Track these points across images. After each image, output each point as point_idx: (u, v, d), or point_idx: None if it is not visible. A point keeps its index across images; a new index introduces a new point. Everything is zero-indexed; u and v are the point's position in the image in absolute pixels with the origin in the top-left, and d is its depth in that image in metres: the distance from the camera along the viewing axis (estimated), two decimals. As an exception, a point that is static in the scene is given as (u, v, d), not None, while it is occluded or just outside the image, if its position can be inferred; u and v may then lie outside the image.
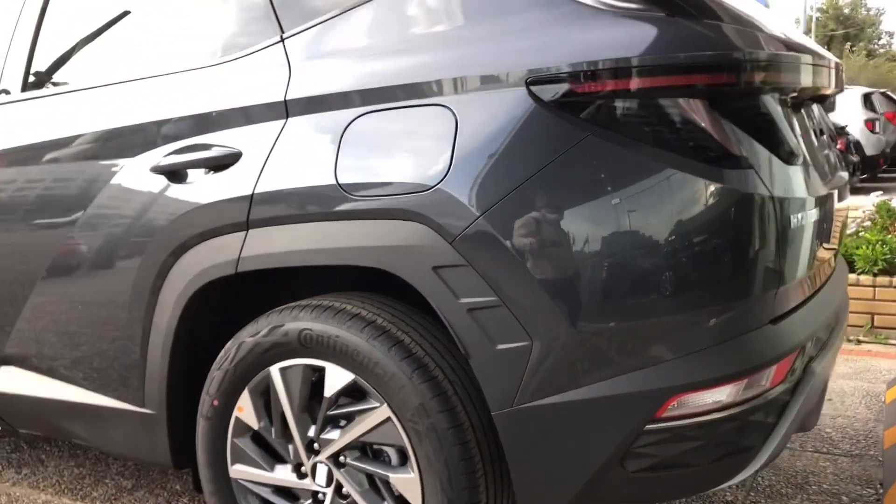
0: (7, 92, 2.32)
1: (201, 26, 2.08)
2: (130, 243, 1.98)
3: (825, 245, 1.97)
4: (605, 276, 1.53)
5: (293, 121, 1.79)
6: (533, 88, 1.57)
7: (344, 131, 1.71)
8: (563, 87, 1.55)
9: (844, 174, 2.26)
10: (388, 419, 1.70)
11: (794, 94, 1.83)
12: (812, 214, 1.78)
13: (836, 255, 2.25)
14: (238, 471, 1.93)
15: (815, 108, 2.12)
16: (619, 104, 1.55)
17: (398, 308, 1.76)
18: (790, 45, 1.77)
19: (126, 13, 2.22)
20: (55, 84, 2.29)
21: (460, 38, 1.69)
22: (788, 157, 1.68)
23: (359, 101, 1.71)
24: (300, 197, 1.74)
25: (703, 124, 1.55)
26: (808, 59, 1.82)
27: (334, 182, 1.69)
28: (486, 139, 1.58)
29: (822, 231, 1.90)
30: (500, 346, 1.58)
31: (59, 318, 2.15)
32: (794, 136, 1.76)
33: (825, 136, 2.21)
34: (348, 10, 1.81)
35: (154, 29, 2.15)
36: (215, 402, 1.90)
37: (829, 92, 2.07)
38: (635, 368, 1.56)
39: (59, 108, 2.21)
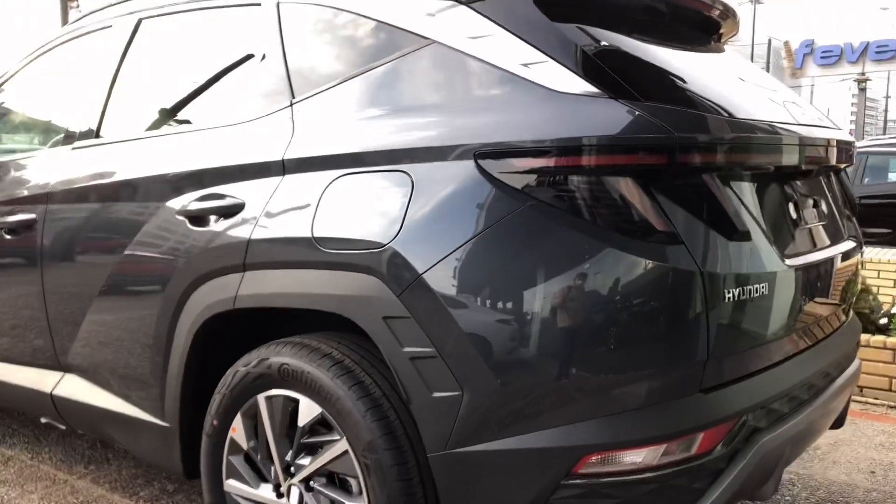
0: (87, 136, 2.70)
1: (231, 89, 2.36)
2: (160, 276, 2.27)
3: (808, 310, 2.00)
4: (530, 336, 1.65)
5: (288, 177, 2.02)
6: (480, 161, 1.72)
7: (324, 190, 1.92)
8: (506, 162, 1.70)
9: (849, 238, 2.27)
10: (346, 452, 1.88)
11: (762, 173, 1.89)
12: (774, 285, 1.82)
13: (842, 314, 2.26)
14: (231, 485, 2.16)
15: (814, 178, 2.15)
16: (556, 180, 1.68)
17: (367, 350, 1.94)
18: (755, 128, 1.84)
19: (174, 75, 2.55)
20: (109, 135, 2.65)
21: (425, 112, 1.88)
22: (735, 233, 1.74)
23: (339, 163, 1.93)
24: (284, 246, 1.97)
25: (633, 201, 1.65)
26: (777, 139, 1.88)
27: (310, 235, 1.90)
28: (435, 204, 1.75)
29: (801, 297, 1.93)
30: (436, 394, 1.73)
31: (106, 336, 2.48)
32: (751, 212, 1.82)
33: (825, 205, 2.23)
34: (340, 82, 2.04)
35: (192, 90, 2.46)
36: (215, 422, 2.15)
37: (827, 166, 2.11)
38: (556, 425, 1.67)
39: (118, 154, 2.55)
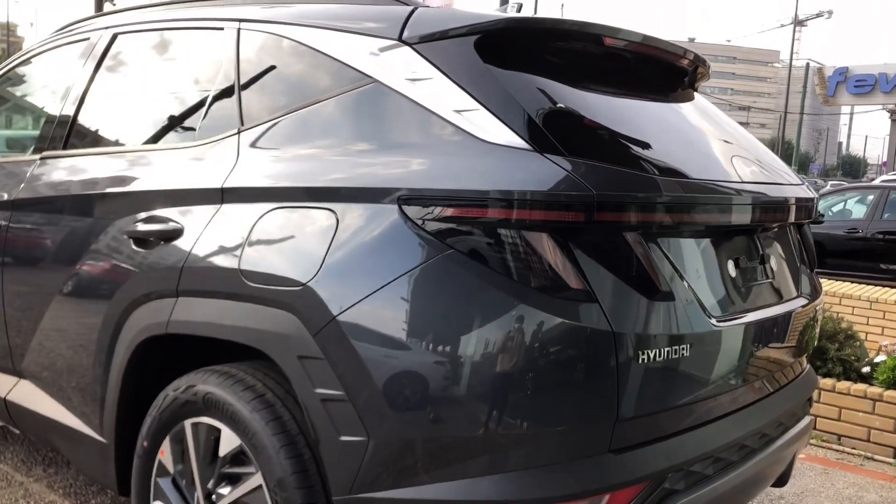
0: (55, 147, 2.73)
1: (187, 110, 2.38)
2: (104, 293, 2.29)
3: (742, 369, 1.97)
4: (437, 387, 1.64)
5: (225, 206, 2.02)
6: (403, 207, 1.72)
7: (255, 223, 1.92)
8: (427, 210, 1.69)
9: (802, 295, 2.25)
10: (260, 486, 1.88)
11: (696, 231, 1.86)
12: (699, 346, 1.80)
13: (789, 370, 2.23)
14: (157, 507, 2.17)
15: (764, 235, 2.13)
16: (473, 231, 1.66)
17: (291, 386, 1.94)
18: (687, 186, 1.81)
19: (138, 91, 2.57)
20: (76, 146, 2.68)
21: (358, 151, 1.88)
22: (656, 293, 1.72)
23: (271, 196, 1.93)
24: (214, 276, 1.97)
25: (548, 258, 1.63)
26: (712, 198, 1.86)
27: (238, 267, 1.90)
28: (355, 246, 1.75)
29: (732, 357, 1.91)
30: (343, 438, 1.73)
31: (55, 346, 2.50)
32: (678, 271, 1.79)
33: (774, 261, 2.20)
34: (285, 114, 2.04)
35: (152, 108, 2.49)
36: (145, 444, 2.16)
37: (780, 223, 2.10)
38: (459, 478, 1.65)
39: (80, 168, 2.58)
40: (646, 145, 1.87)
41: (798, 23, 52.42)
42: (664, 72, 2.29)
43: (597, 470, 1.67)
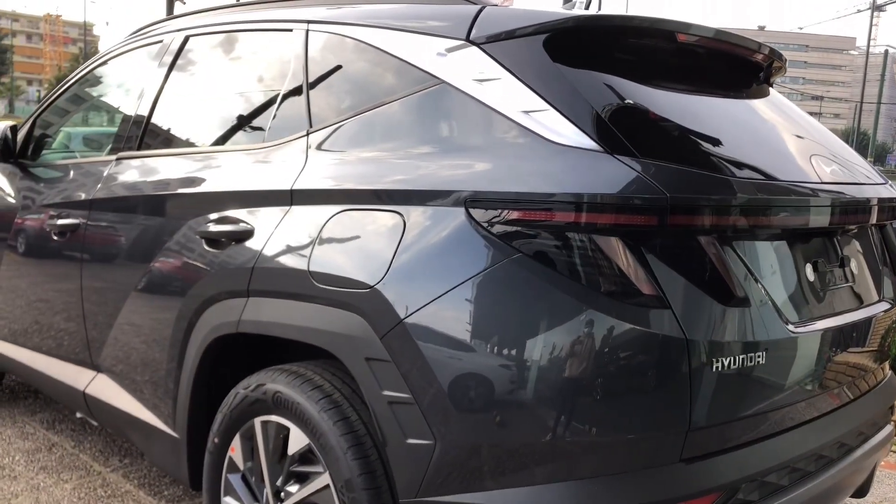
0: (131, 148, 2.80)
1: (257, 111, 2.41)
2: (178, 291, 2.34)
3: (819, 377, 1.91)
4: (504, 392, 1.63)
5: (295, 208, 2.04)
6: (470, 209, 1.70)
7: (324, 224, 1.94)
8: (495, 213, 1.67)
9: (885, 299, 2.16)
10: (328, 486, 1.90)
11: (773, 234, 1.80)
12: (775, 353, 1.74)
13: (870, 378, 2.15)
14: (227, 502, 2.21)
15: (843, 237, 2.05)
16: (541, 234, 1.64)
17: (357, 386, 1.95)
18: (763, 187, 1.76)
19: (210, 93, 2.62)
20: (150, 147, 2.74)
21: (426, 153, 1.87)
22: (731, 299, 1.67)
23: (340, 198, 1.94)
24: (283, 276, 1.99)
25: (619, 263, 1.60)
26: (790, 200, 1.80)
27: (306, 269, 1.92)
28: (423, 249, 1.74)
29: (809, 364, 1.85)
30: (410, 441, 1.73)
31: (131, 341, 2.57)
32: (755, 275, 1.74)
33: (855, 265, 2.12)
34: (352, 115, 2.05)
35: (224, 110, 2.53)
36: (216, 440, 2.20)
37: (860, 224, 2.02)
38: (527, 484, 1.63)
39: (153, 168, 2.64)
40: (720, 145, 1.82)
41: (876, 7, 50.47)
42: (738, 67, 2.23)
43: (668, 480, 1.63)
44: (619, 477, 1.62)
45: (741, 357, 1.67)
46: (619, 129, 1.69)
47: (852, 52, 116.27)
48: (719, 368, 1.63)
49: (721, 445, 1.70)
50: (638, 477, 1.62)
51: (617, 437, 1.61)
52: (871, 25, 49.83)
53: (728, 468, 1.70)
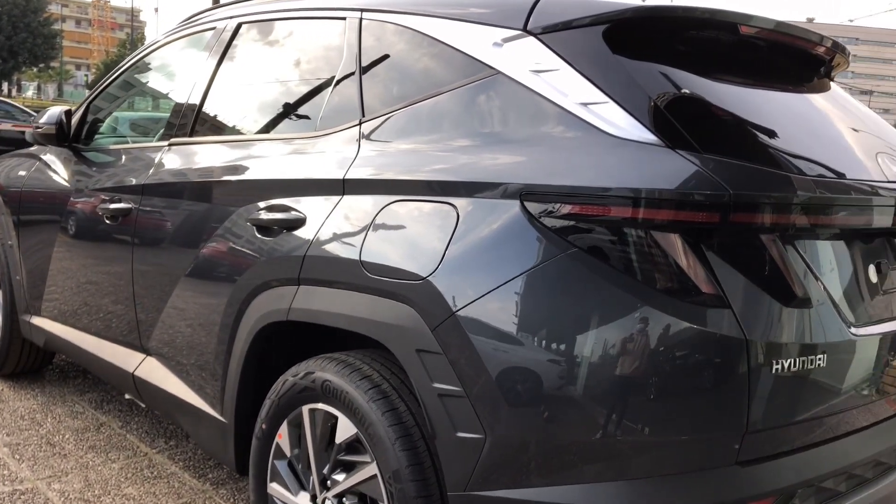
0: (182, 134, 2.82)
1: (309, 99, 2.41)
2: (228, 277, 2.36)
3: (881, 382, 1.86)
4: (557, 388, 1.61)
5: (347, 198, 2.04)
6: (525, 202, 1.68)
7: (377, 215, 1.93)
8: (550, 207, 1.65)
9: None
10: (375, 476, 1.90)
11: (836, 234, 1.76)
12: (836, 356, 1.70)
13: None
14: (273, 488, 2.23)
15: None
16: (597, 229, 1.61)
17: (406, 376, 1.94)
18: (828, 185, 1.71)
19: (261, 80, 2.62)
20: (202, 134, 2.76)
21: (480, 144, 1.85)
22: (793, 299, 1.63)
23: (392, 189, 1.93)
24: (335, 266, 1.99)
25: (678, 260, 1.57)
26: (854, 199, 1.75)
27: (358, 258, 1.92)
28: (477, 242, 1.73)
29: (871, 368, 1.81)
30: (460, 434, 1.72)
31: (180, 326, 2.60)
32: (817, 276, 1.70)
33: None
34: (405, 105, 2.04)
35: (275, 97, 2.53)
36: (263, 426, 2.21)
37: None
38: (579, 482, 1.62)
39: (204, 155, 2.66)
40: (782, 140, 1.77)
41: (931, 1, 48.93)
42: (800, 61, 2.17)
43: (723, 483, 1.60)
44: (673, 478, 1.59)
45: (800, 359, 1.63)
46: (679, 123, 1.66)
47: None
48: (778, 370, 1.59)
49: (778, 449, 1.66)
50: (692, 479, 1.59)
51: (671, 438, 1.58)
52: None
53: (785, 472, 1.66)
